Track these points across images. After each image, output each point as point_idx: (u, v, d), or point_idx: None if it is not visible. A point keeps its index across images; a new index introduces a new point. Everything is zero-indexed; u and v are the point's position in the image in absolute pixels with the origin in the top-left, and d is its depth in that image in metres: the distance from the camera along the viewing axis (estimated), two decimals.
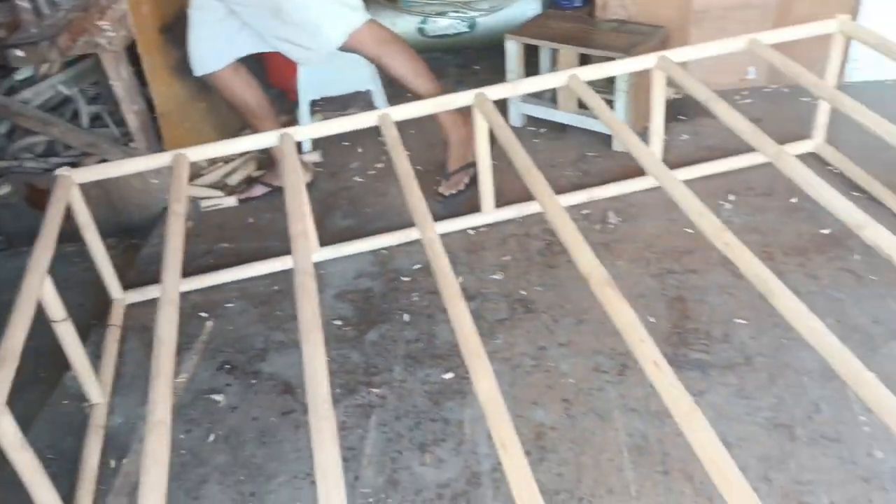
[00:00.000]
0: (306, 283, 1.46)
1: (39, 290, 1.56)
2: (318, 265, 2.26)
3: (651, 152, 1.87)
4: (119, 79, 2.36)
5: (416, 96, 2.31)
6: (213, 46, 2.26)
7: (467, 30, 3.20)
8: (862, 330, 1.84)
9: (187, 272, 2.25)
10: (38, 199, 2.59)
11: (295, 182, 1.83)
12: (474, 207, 2.38)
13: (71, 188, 1.92)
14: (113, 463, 1.72)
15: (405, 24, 3.19)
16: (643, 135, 2.46)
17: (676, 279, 2.06)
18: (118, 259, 2.34)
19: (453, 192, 2.45)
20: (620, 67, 2.18)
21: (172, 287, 1.53)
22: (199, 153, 2.00)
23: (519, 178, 1.78)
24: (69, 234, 2.18)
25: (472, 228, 2.34)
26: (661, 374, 1.20)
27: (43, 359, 1.91)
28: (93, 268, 2.16)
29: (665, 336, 1.88)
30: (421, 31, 3.20)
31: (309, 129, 2.11)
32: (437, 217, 2.32)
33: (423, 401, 1.78)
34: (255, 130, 2.42)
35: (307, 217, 2.09)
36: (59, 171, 1.92)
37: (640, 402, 1.72)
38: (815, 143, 2.46)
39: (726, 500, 1.02)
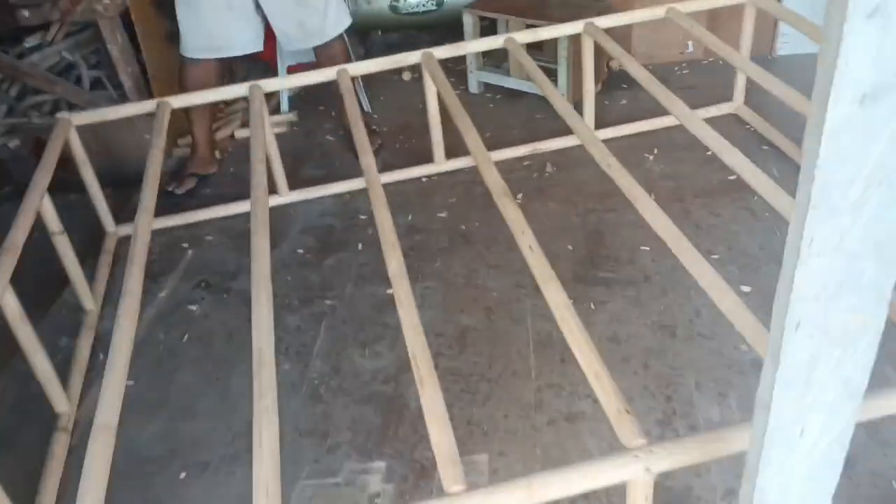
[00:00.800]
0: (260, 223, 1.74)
1: (40, 202, 1.85)
2: (288, 206, 2.56)
3: (574, 111, 2.14)
4: (115, 43, 2.64)
5: None
6: (210, 36, 2.44)
7: (435, 7, 3.47)
8: (750, 255, 2.11)
9: (173, 212, 2.56)
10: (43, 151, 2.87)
11: (259, 133, 2.11)
12: (427, 158, 2.65)
13: (70, 129, 2.20)
14: (101, 356, 2.00)
15: (379, 2, 3.46)
16: (582, 98, 2.72)
17: (597, 216, 2.34)
18: (115, 204, 2.62)
19: None
20: (551, 32, 2.45)
21: (145, 218, 1.79)
22: (180, 101, 2.28)
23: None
24: (73, 183, 2.47)
25: (426, 177, 2.62)
26: (536, 257, 1.47)
27: (43, 289, 2.20)
28: (93, 214, 2.44)
29: (580, 260, 2.16)
30: (393, 8, 3.47)
31: (276, 82, 2.39)
32: (392, 167, 2.63)
33: (368, 310, 2.07)
34: (190, 122, 2.65)
35: (274, 163, 2.35)
36: (59, 115, 2.21)
37: (550, 310, 1.99)
38: (734, 105, 2.73)
39: (597, 393, 1.23)
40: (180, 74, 2.57)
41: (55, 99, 2.94)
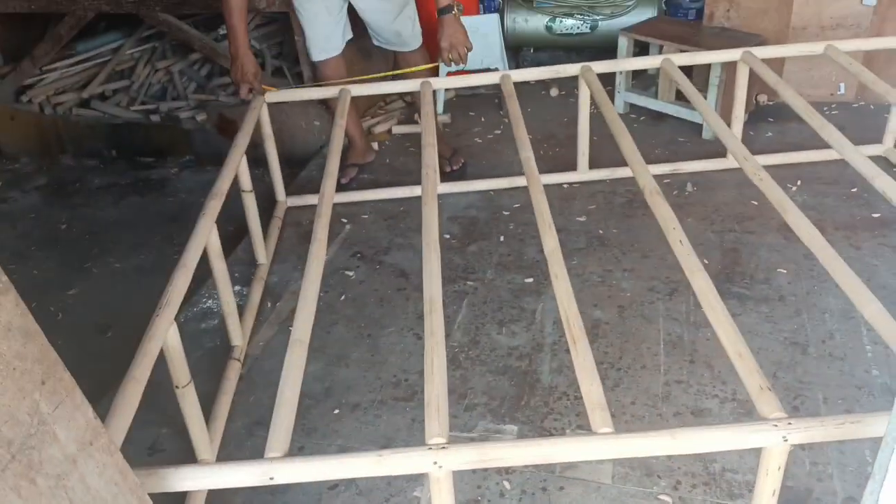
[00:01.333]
0: (430, 193, 1.93)
1: (239, 160, 2.11)
2: (438, 196, 2.75)
3: (730, 131, 2.22)
4: (301, 37, 2.93)
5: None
6: (332, 36, 2.67)
7: (589, 31, 3.62)
8: (889, 288, 2.12)
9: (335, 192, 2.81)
10: (226, 127, 3.22)
11: (430, 124, 2.31)
12: (570, 167, 2.79)
13: (262, 106, 2.49)
14: (269, 304, 2.25)
15: (536, 22, 3.65)
16: (730, 125, 2.79)
17: (734, 236, 2.40)
18: (282, 179, 2.91)
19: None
20: (707, 56, 2.55)
21: (330, 184, 2.01)
22: (358, 90, 2.53)
23: (611, 147, 2.17)
24: (253, 159, 2.77)
25: (567, 183, 2.76)
26: (685, 250, 1.58)
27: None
28: (267, 187, 2.72)
29: (715, 274, 2.22)
30: (549, 28, 3.65)
31: (443, 81, 2.59)
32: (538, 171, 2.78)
33: (506, 294, 2.22)
34: (331, 110, 2.85)
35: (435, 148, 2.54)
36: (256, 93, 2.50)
37: (682, 315, 2.08)
38: (884, 147, 2.72)
39: (738, 370, 1.29)
40: (314, 75, 2.84)
41: None
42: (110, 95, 3.49)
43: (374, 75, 2.64)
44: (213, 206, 1.88)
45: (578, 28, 3.62)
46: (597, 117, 2.46)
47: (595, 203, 2.63)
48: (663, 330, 2.02)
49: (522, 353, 1.99)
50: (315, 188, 2.86)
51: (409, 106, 3.51)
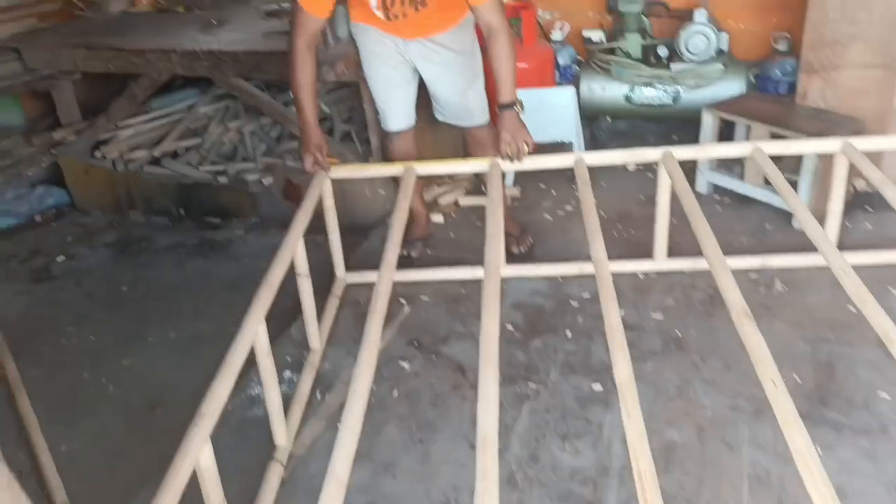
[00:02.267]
0: (492, 290, 1.79)
1: (296, 244, 2.03)
2: (502, 280, 2.61)
3: (823, 232, 2.02)
4: (370, 105, 2.87)
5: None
6: (406, 107, 2.59)
7: (671, 102, 3.45)
8: None
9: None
10: (291, 192, 3.17)
11: (497, 207, 2.18)
12: (645, 252, 2.61)
13: (326, 180, 2.42)
14: (319, 395, 2.14)
15: (614, 91, 3.50)
16: (824, 216, 2.56)
17: (829, 348, 2.16)
18: (343, 249, 2.83)
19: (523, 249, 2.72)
20: (804, 146, 2.34)
21: (387, 275, 1.91)
22: (425, 168, 2.43)
23: (692, 235, 1.99)
24: (314, 227, 2.71)
25: (643, 273, 2.57)
26: (778, 393, 1.39)
27: (274, 319, 2.40)
28: (327, 256, 2.63)
29: (807, 394, 2.00)
30: (628, 98, 3.49)
31: (514, 164, 2.46)
32: (611, 256, 2.61)
33: (571, 401, 2.04)
34: (397, 181, 2.73)
35: (501, 238, 2.41)
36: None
37: (770, 443, 1.86)
38: None
39: None
40: (383, 145, 2.74)
41: None
42: (182, 153, 3.51)
43: (436, 161, 2.54)
44: (264, 299, 1.79)
45: (660, 99, 3.46)
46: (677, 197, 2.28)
47: (673, 297, 2.44)
48: (747, 461, 1.81)
49: (587, 477, 1.81)
50: (376, 263, 2.79)
51: (478, 175, 3.40)
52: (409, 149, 2.69)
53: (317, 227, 2.57)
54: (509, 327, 2.37)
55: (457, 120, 2.68)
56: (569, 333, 2.32)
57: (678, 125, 3.67)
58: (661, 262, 2.55)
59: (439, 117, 2.72)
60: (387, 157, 2.78)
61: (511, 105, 2.31)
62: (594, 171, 3.18)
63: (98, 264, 3.19)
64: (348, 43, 2.63)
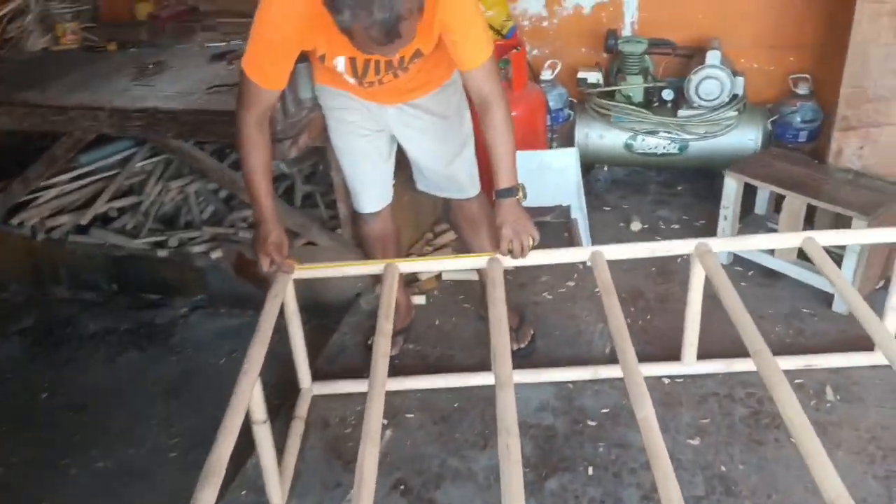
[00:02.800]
0: (511, 445, 1.39)
1: (250, 393, 1.59)
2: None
3: (882, 325, 1.68)
4: (338, 172, 2.43)
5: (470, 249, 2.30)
6: (384, 182, 2.20)
7: (676, 152, 3.08)
8: None
9: (361, 367, 2.29)
10: (244, 268, 2.73)
11: (500, 314, 1.78)
12: (670, 353, 2.23)
13: (288, 282, 1.97)
14: None
15: (613, 138, 3.12)
16: (870, 299, 2.21)
17: None
18: (311, 338, 2.38)
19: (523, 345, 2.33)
20: (867, 237, 1.98)
21: (376, 419, 1.50)
22: (410, 266, 2.01)
23: (725, 329, 1.64)
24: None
25: (668, 377, 2.19)
26: None
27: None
28: (286, 347, 2.19)
29: None
30: (628, 146, 3.11)
31: (514, 261, 2.04)
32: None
33: None
34: (367, 256, 2.32)
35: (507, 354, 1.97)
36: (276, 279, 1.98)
37: None
38: None
39: None
40: (355, 227, 2.34)
41: None
42: (115, 216, 3.02)
43: (429, 257, 2.12)
44: (214, 471, 1.35)
45: (664, 148, 3.08)
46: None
47: (708, 413, 2.05)
48: None
49: None
50: (348, 363, 2.36)
51: (460, 241, 2.98)
52: (385, 229, 2.27)
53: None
54: None
55: (441, 192, 2.27)
56: (590, 470, 1.91)
57: (682, 173, 3.32)
58: (690, 364, 2.17)
59: (421, 187, 2.31)
60: (359, 239, 2.36)
61: (511, 191, 1.90)
62: (594, 231, 2.84)
63: (10, 361, 2.70)
64: (312, 106, 2.19)
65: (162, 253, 2.79)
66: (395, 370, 2.28)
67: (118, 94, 2.53)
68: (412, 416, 2.14)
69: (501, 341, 1.69)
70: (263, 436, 1.73)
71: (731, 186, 2.56)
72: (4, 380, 2.59)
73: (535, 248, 1.95)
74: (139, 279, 2.92)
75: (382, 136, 2.13)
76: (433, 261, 2.00)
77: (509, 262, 1.98)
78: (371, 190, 2.18)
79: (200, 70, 2.71)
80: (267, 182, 1.89)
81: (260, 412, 1.69)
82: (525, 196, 1.93)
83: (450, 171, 2.18)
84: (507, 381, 1.60)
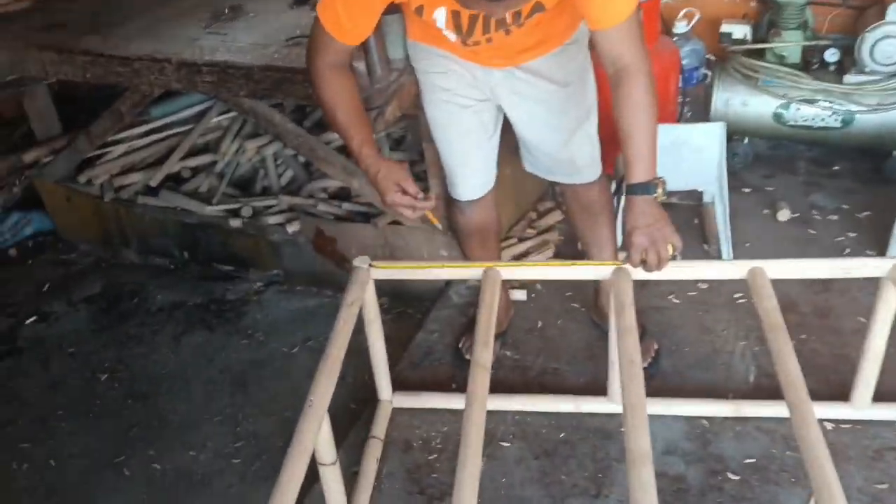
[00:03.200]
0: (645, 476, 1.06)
1: (316, 433, 1.29)
2: (616, 417, 1.84)
3: None
4: (433, 144, 2.07)
5: (587, 257, 1.97)
6: (486, 164, 1.85)
7: (839, 125, 2.56)
8: None
9: (449, 375, 1.97)
10: (322, 244, 2.45)
11: (629, 336, 1.41)
12: (829, 378, 1.81)
13: (368, 281, 1.66)
14: None
15: (760, 106, 2.62)
16: None
17: None
18: (386, 326, 2.07)
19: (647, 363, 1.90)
20: None
21: (475, 458, 1.19)
22: (515, 272, 1.65)
23: None
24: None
25: (832, 422, 1.76)
26: None
27: None
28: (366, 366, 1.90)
29: None
30: (778, 117, 2.61)
31: (659, 273, 1.62)
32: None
33: None
34: (468, 254, 1.98)
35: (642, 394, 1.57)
36: (357, 263, 1.67)
37: None
38: None
39: None
40: (451, 215, 1.99)
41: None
42: (188, 177, 2.78)
43: (538, 263, 1.75)
44: None
45: (824, 120, 2.57)
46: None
47: (886, 476, 1.63)
48: None
49: None
50: (435, 370, 2.05)
51: (570, 226, 2.59)
52: (486, 220, 1.92)
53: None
54: None
55: (555, 176, 1.89)
56: None
57: (839, 150, 2.79)
58: (861, 409, 1.74)
59: (529, 168, 1.93)
60: (455, 230, 2.01)
61: (649, 187, 1.50)
62: (735, 219, 2.39)
63: (74, 332, 2.51)
64: (404, 68, 1.82)
65: (235, 223, 2.53)
66: (490, 384, 1.95)
67: (187, 43, 2.23)
68: (508, 445, 1.81)
69: (631, 358, 1.33)
70: (331, 477, 1.44)
71: None
72: (65, 356, 2.40)
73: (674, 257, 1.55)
74: (211, 249, 2.67)
75: (487, 108, 1.75)
76: (544, 267, 1.63)
77: (640, 276, 1.59)
78: (471, 174, 1.82)
79: (280, 16, 2.37)
80: (358, 125, 1.55)
81: (328, 454, 1.40)
82: (665, 193, 1.53)
83: (567, 152, 1.79)
84: (638, 404, 1.27)
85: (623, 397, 1.29)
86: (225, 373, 2.26)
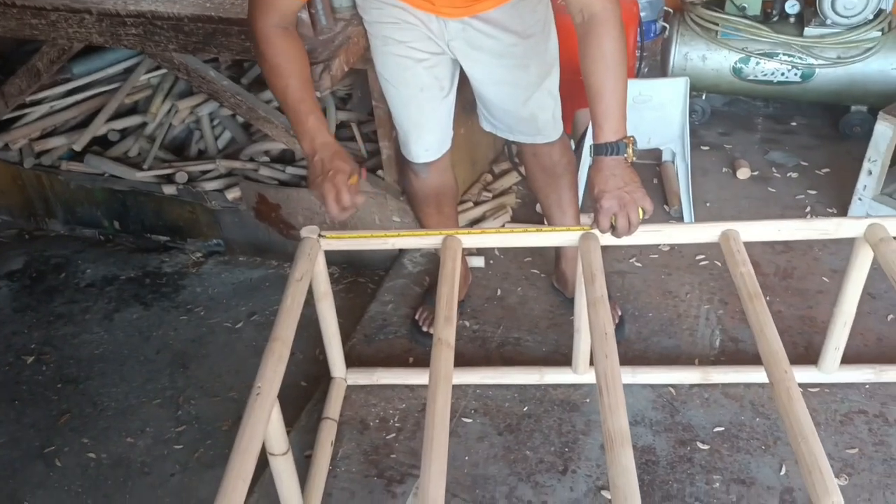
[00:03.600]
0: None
1: (266, 424, 1.17)
2: (581, 388, 1.78)
3: None
4: (382, 102, 1.94)
5: (548, 221, 1.93)
6: (442, 124, 1.73)
7: (798, 80, 2.51)
8: None
9: (406, 349, 1.88)
10: (266, 211, 2.30)
11: (599, 302, 1.34)
12: (802, 355, 1.78)
13: (318, 252, 1.54)
14: None
15: (719, 61, 2.56)
16: None
17: None
18: (337, 297, 1.96)
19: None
20: None
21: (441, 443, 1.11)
22: (476, 240, 1.55)
23: (875, 327, 1.20)
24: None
25: (801, 386, 1.73)
26: None
27: None
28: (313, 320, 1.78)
29: None
30: (737, 71, 2.56)
31: (629, 238, 1.54)
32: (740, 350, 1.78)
33: None
34: (423, 221, 1.90)
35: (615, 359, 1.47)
36: (305, 233, 1.54)
37: None
38: None
39: None
40: (405, 179, 1.89)
41: None
42: (116, 140, 2.58)
43: (499, 229, 1.66)
44: None
45: (784, 75, 2.52)
46: None
47: (856, 441, 1.61)
48: None
49: None
50: (390, 343, 1.96)
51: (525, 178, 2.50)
52: (442, 184, 1.81)
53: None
54: (606, 496, 1.54)
55: (514, 135, 1.79)
56: None
57: (796, 106, 2.76)
58: (829, 372, 1.71)
59: (487, 127, 1.83)
60: (409, 195, 1.90)
61: (618, 147, 1.40)
62: (694, 178, 2.33)
63: None
64: (351, 18, 1.68)
65: (169, 190, 2.35)
66: None
67: None
68: (470, 421, 1.73)
69: (605, 331, 1.26)
70: (283, 468, 1.33)
71: (885, 134, 2.02)
72: None
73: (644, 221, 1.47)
74: (144, 218, 2.50)
75: (443, 62, 1.63)
76: (508, 234, 1.53)
77: (609, 240, 1.50)
78: (426, 134, 1.70)
79: None
80: (310, 96, 1.42)
81: (279, 444, 1.29)
82: (635, 153, 1.44)
83: (528, 110, 1.69)
84: (614, 381, 1.20)
85: (597, 373, 1.21)
86: (163, 352, 2.12)
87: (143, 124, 2.58)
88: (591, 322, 1.31)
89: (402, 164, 1.83)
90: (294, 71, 1.40)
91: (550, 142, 1.77)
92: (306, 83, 1.42)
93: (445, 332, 1.31)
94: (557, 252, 1.99)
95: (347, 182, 1.39)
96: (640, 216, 1.44)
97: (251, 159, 2.38)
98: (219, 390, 1.97)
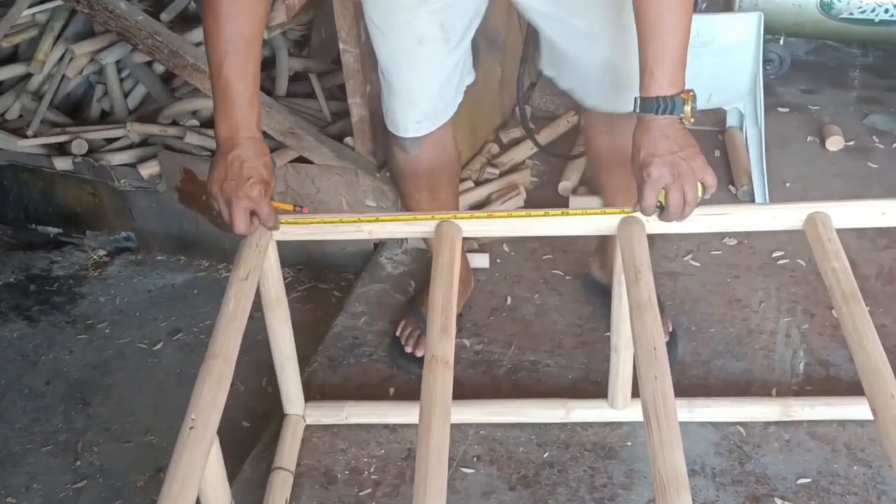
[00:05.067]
0: None
1: (202, 466, 1.20)
2: (620, 427, 1.82)
3: None
4: (354, 44, 1.99)
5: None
6: (444, 88, 1.76)
7: None
8: None
9: (385, 377, 1.94)
10: (193, 193, 2.38)
11: (648, 299, 1.38)
12: None
13: (269, 243, 1.57)
14: None
15: None
16: None
17: None
18: (293, 308, 1.99)
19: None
20: None
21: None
22: (479, 226, 1.58)
23: None
24: None
25: None
26: None
27: None
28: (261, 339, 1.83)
29: None
30: (826, 6, 2.65)
31: (683, 224, 1.58)
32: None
33: None
34: (412, 207, 1.94)
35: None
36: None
37: None
38: None
39: None
40: (389, 152, 1.92)
41: None
42: None
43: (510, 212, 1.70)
44: None
45: (888, 11, 2.62)
46: None
47: None
48: None
49: None
50: (362, 368, 2.01)
51: (544, 150, 2.56)
52: (441, 159, 1.86)
53: None
54: None
55: (590, 98, 1.79)
56: None
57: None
58: None
59: (558, 79, 1.82)
60: (394, 173, 1.95)
61: (673, 103, 1.43)
62: (771, 147, 2.41)
63: None
64: None
65: (62, 164, 2.43)
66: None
67: None
68: (473, 471, 1.77)
69: (653, 345, 1.30)
70: None
71: None
72: None
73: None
74: (28, 203, 2.61)
75: (460, 3, 1.64)
76: (523, 219, 1.56)
77: (657, 226, 1.54)
78: (420, 99, 1.72)
79: None
80: (254, 71, 1.44)
81: (220, 497, 1.31)
82: (694, 112, 1.47)
83: (606, 55, 1.67)
84: (667, 409, 1.21)
85: (643, 399, 1.24)
86: (55, 382, 2.19)
87: (28, 76, 2.66)
88: (634, 334, 1.35)
89: (387, 139, 1.87)
90: (238, 35, 1.39)
91: (626, 113, 1.76)
92: (252, 54, 1.43)
93: (441, 346, 1.34)
94: (600, 247, 2.04)
95: (267, 199, 1.45)
96: (699, 194, 1.48)
97: (174, 122, 2.46)
98: (131, 433, 2.01)
